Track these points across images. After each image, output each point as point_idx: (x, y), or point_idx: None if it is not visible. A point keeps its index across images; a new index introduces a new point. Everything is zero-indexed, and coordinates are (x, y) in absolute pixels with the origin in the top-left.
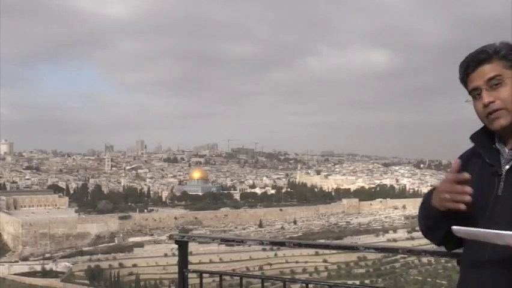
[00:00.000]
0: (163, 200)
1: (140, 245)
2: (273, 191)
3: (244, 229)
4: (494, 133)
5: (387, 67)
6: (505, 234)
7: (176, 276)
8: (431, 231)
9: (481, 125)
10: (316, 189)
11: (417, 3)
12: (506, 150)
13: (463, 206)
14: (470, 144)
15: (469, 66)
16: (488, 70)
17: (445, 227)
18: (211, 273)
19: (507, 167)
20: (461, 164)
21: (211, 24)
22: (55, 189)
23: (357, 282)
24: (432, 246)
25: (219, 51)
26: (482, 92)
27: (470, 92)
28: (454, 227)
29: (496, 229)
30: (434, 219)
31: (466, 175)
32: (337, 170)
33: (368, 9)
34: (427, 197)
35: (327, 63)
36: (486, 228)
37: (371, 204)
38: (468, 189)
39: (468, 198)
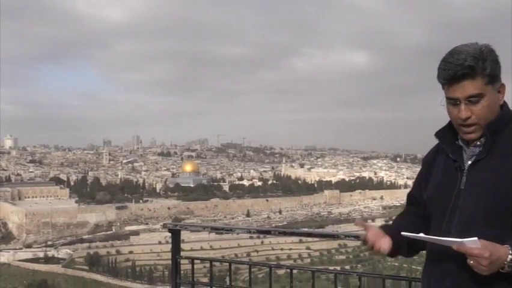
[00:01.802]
0: (157, 191)
1: (136, 233)
2: (259, 183)
3: (232, 218)
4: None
5: (367, 67)
6: (449, 241)
7: (169, 262)
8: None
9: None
10: (300, 181)
11: (396, 8)
12: (469, 148)
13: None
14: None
15: (453, 78)
16: (471, 87)
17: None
18: (202, 260)
19: (469, 162)
20: (429, 159)
21: (204, 27)
22: (57, 181)
23: (338, 268)
24: None
25: (211, 53)
26: (461, 105)
27: (447, 98)
28: (404, 233)
29: (458, 220)
30: (407, 246)
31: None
32: (319, 163)
33: (350, 13)
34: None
35: (312, 64)
36: (449, 220)
37: (351, 195)
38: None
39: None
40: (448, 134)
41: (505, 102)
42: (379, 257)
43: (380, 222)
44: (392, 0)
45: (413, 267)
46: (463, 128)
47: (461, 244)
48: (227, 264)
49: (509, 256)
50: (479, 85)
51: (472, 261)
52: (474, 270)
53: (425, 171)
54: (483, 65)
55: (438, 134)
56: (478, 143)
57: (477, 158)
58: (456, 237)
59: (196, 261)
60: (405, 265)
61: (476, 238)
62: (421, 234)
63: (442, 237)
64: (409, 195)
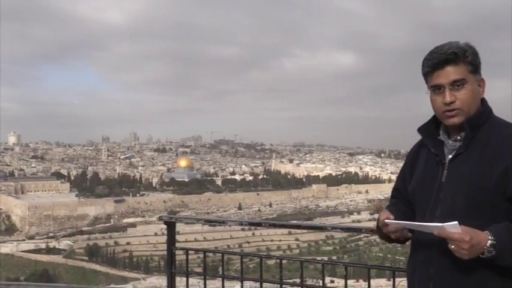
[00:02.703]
0: (154, 185)
1: (133, 225)
2: (250, 178)
3: (225, 211)
4: (439, 126)
5: (353, 68)
6: (430, 226)
7: (165, 253)
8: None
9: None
10: (289, 176)
11: (381, 11)
12: (450, 142)
13: (409, 235)
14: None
15: (437, 64)
16: (455, 72)
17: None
18: (196, 250)
19: (450, 156)
20: (412, 153)
21: (198, 29)
22: (58, 176)
23: (326, 258)
24: None
25: (205, 53)
26: (446, 90)
27: (431, 86)
28: (387, 220)
29: (440, 211)
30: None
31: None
32: (307, 159)
33: (337, 16)
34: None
35: (300, 64)
36: (432, 212)
37: (337, 189)
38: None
39: (407, 234)
40: (430, 129)
41: (484, 98)
42: (364, 247)
43: (365, 215)
44: (377, 4)
45: (397, 257)
46: (447, 113)
47: (442, 229)
48: (220, 254)
49: (489, 241)
50: (462, 71)
51: (453, 246)
52: (455, 254)
53: (409, 165)
54: (465, 54)
55: (421, 129)
56: (459, 137)
57: (457, 152)
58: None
59: (190, 252)
60: (389, 255)
61: (456, 222)
62: (403, 221)
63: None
64: (394, 190)
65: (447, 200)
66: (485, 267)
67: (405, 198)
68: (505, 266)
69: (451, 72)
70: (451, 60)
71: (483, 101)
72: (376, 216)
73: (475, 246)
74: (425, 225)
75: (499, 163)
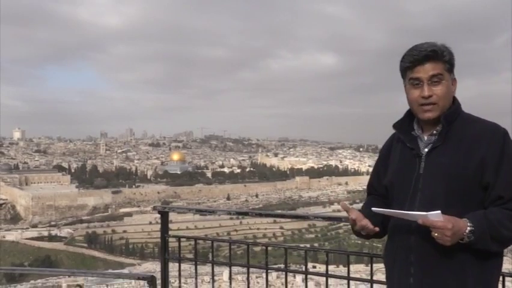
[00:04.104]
0: (148, 177)
1: (129, 214)
2: (238, 170)
3: (214, 201)
4: (412, 122)
5: (335, 68)
6: (414, 215)
7: (159, 240)
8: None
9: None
10: (274, 169)
11: (361, 15)
12: (425, 137)
13: (377, 229)
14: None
15: (417, 59)
16: (434, 68)
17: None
18: (188, 238)
19: (426, 149)
20: (385, 149)
21: (190, 32)
22: (59, 168)
23: (308, 245)
24: None
25: (197, 55)
26: (424, 85)
27: (409, 80)
28: (374, 208)
29: (419, 201)
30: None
31: (376, 229)
32: (291, 152)
33: (320, 19)
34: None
35: (285, 65)
36: (411, 202)
37: (319, 181)
38: (376, 229)
39: (373, 229)
40: (405, 125)
41: (455, 96)
42: (344, 235)
43: None
44: (358, 9)
45: (374, 244)
46: (424, 107)
47: (426, 217)
48: (210, 242)
49: (468, 228)
50: (440, 67)
51: (436, 234)
52: (438, 241)
53: (384, 161)
54: (443, 53)
55: (395, 125)
56: (434, 132)
57: (434, 145)
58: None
59: (182, 239)
60: (367, 243)
61: (439, 211)
62: (389, 210)
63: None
64: (369, 186)
65: (427, 190)
66: (465, 252)
67: (380, 194)
68: (483, 250)
69: (430, 68)
70: (430, 57)
71: (454, 99)
72: (355, 206)
73: (456, 233)
74: (410, 213)
75: (475, 154)
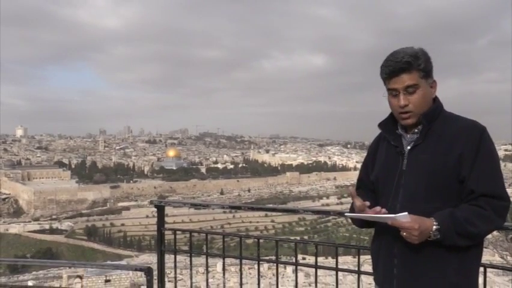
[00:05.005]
0: (145, 173)
1: (127, 208)
2: (231, 166)
3: (209, 196)
4: (397, 121)
5: (324, 68)
6: (384, 217)
7: (155, 233)
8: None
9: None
10: (265, 165)
11: (350, 17)
12: (408, 136)
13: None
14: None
15: (393, 71)
16: (408, 79)
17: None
18: (183, 231)
19: (409, 147)
20: (373, 147)
21: (186, 33)
22: (60, 164)
23: (298, 238)
24: None
25: (192, 55)
26: (400, 95)
27: (388, 89)
28: (346, 214)
29: (402, 196)
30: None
31: (367, 203)
32: (282, 149)
33: (311, 22)
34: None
35: (277, 65)
36: (395, 197)
37: (308, 177)
38: (377, 209)
39: (383, 211)
40: (389, 124)
41: (436, 96)
42: (332, 228)
43: (333, 199)
44: (347, 11)
45: (361, 237)
46: (402, 115)
47: (394, 219)
48: (204, 234)
49: (434, 226)
50: (414, 77)
51: (404, 233)
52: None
53: (371, 157)
54: (418, 62)
55: (381, 125)
56: (416, 130)
57: (416, 143)
58: (401, 212)
59: (178, 232)
60: (354, 235)
61: (406, 213)
62: (361, 214)
63: (389, 212)
64: (358, 181)
65: (408, 186)
66: (444, 246)
67: (369, 188)
68: (456, 246)
69: (405, 79)
70: (405, 68)
71: (435, 99)
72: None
73: (423, 232)
74: (379, 216)
75: (454, 151)
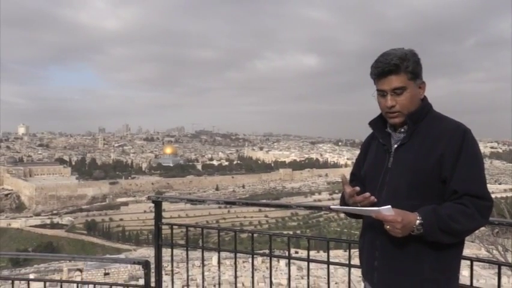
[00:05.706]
0: (143, 169)
1: (126, 204)
2: (226, 163)
3: (204, 192)
4: (386, 120)
5: (316, 68)
6: (368, 210)
7: (153, 227)
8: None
9: (378, 113)
10: (259, 162)
11: (342, 19)
12: (396, 135)
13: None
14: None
15: (382, 73)
16: (395, 81)
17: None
18: (180, 226)
19: (395, 146)
20: (365, 144)
21: (182, 34)
22: (61, 161)
23: (291, 232)
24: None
25: (188, 56)
26: (388, 95)
27: (377, 90)
28: (332, 206)
29: (386, 193)
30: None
31: (357, 188)
32: (275, 146)
33: (303, 23)
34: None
35: (270, 65)
36: (379, 193)
37: (301, 173)
38: (366, 194)
39: (372, 199)
40: (379, 123)
41: (425, 96)
42: (324, 223)
43: (325, 195)
44: (338, 13)
45: (352, 231)
46: (389, 115)
47: (378, 212)
48: (200, 229)
49: (418, 221)
50: (402, 80)
51: (388, 226)
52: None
53: (363, 154)
54: (406, 64)
55: (371, 123)
56: (402, 129)
57: (401, 142)
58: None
59: (174, 227)
60: (345, 230)
61: (389, 206)
62: (346, 207)
63: (373, 206)
64: (351, 175)
65: (392, 183)
66: (423, 241)
67: (360, 182)
68: (438, 242)
69: (392, 81)
70: (393, 70)
71: (424, 99)
72: (335, 196)
73: (406, 226)
74: (364, 209)
75: (436, 150)
